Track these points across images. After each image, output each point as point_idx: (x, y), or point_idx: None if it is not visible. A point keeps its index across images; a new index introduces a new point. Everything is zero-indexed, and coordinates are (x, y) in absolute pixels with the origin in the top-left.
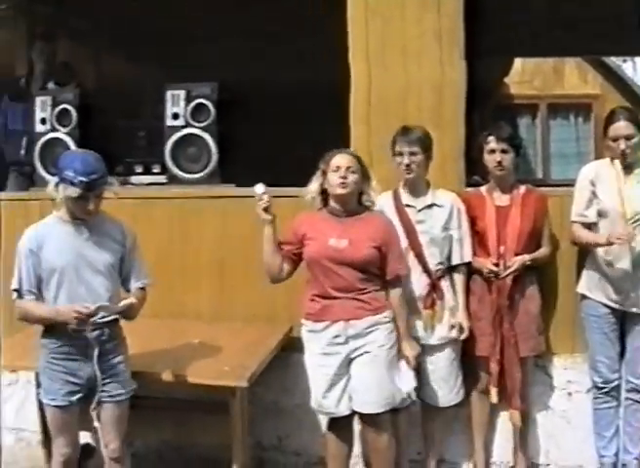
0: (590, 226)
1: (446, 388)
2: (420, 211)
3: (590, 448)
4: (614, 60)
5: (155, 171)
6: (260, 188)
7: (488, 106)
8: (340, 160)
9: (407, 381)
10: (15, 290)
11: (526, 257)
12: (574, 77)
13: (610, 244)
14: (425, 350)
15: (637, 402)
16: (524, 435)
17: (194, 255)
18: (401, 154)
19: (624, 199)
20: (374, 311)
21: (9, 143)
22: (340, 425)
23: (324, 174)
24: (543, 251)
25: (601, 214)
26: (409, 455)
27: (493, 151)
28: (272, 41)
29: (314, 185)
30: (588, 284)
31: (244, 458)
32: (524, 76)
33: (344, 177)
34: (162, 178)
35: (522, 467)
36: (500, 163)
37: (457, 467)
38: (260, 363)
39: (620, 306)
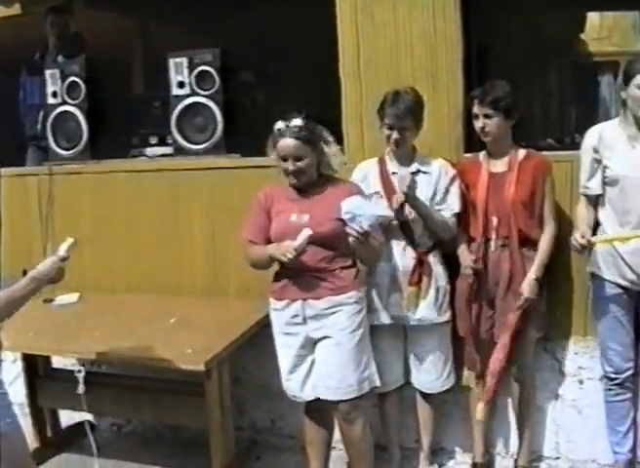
0: (597, 199)
1: (434, 372)
2: None
3: (604, 441)
4: None
5: (170, 142)
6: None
7: (567, 64)
8: (284, 149)
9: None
10: None
11: (531, 279)
12: None
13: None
14: (410, 331)
15: None
16: (526, 425)
17: (186, 229)
18: (391, 128)
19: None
20: (335, 291)
21: (27, 118)
22: (317, 409)
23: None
24: (546, 244)
25: (609, 184)
26: (403, 442)
27: (476, 116)
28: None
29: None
30: (598, 261)
31: (225, 443)
32: (602, 32)
33: (294, 170)
34: (169, 150)
35: (523, 460)
36: (482, 128)
37: (455, 456)
38: (229, 344)
39: (636, 286)
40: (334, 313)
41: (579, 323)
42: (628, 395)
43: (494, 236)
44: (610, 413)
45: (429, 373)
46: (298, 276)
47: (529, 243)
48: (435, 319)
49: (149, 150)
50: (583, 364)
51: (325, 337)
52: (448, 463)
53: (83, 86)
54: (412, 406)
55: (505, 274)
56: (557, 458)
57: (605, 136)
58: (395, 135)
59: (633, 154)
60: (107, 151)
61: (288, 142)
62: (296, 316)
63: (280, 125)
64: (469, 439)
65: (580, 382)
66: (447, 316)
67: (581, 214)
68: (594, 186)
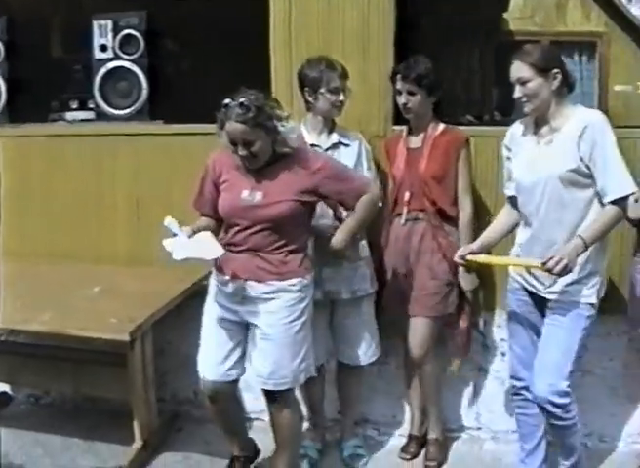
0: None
1: (363, 345)
2: (325, 150)
3: None
4: None
5: (91, 106)
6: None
7: (489, 43)
8: (232, 133)
9: None
10: None
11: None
12: (577, 13)
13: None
14: (340, 305)
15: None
16: (433, 401)
17: (110, 196)
18: (337, 92)
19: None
20: (279, 275)
21: None
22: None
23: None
24: (465, 227)
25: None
26: (326, 414)
27: (399, 92)
28: None
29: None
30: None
31: (148, 415)
32: (525, 11)
33: (248, 155)
34: (91, 114)
35: (436, 432)
36: (404, 105)
37: (380, 427)
38: (153, 314)
39: (533, 289)
40: (273, 299)
41: (499, 296)
42: (534, 410)
43: (405, 210)
44: (518, 428)
45: (358, 346)
46: (240, 252)
47: (446, 219)
48: (368, 289)
49: (69, 114)
50: (506, 336)
51: (258, 326)
52: (372, 434)
53: (2, 48)
54: (334, 378)
55: (415, 248)
56: (478, 429)
57: (516, 133)
58: (342, 96)
59: (534, 152)
60: (26, 115)
61: (234, 127)
62: (234, 295)
63: (226, 101)
64: (393, 410)
65: (503, 354)
66: (374, 286)
67: (497, 219)
68: (511, 187)
